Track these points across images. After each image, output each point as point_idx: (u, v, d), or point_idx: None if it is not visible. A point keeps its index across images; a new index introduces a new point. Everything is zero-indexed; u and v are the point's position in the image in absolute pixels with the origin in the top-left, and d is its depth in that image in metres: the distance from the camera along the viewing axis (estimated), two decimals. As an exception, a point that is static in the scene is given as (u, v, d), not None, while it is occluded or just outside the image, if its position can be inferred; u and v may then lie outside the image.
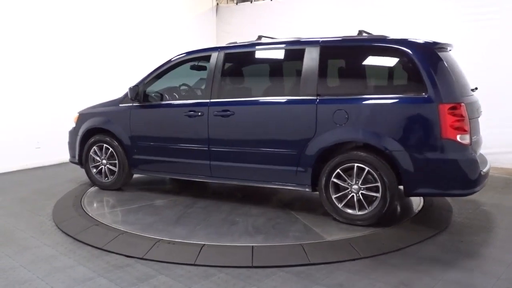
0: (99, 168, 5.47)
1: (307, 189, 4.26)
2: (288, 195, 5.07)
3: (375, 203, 3.91)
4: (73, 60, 7.54)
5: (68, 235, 3.97)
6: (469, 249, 3.60)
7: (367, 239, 3.73)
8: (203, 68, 4.98)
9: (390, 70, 4.18)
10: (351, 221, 4.01)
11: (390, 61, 4.15)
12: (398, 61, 4.06)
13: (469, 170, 3.73)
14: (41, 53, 7.13)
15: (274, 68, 4.85)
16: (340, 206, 4.05)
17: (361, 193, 3.96)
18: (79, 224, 4.19)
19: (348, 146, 4.12)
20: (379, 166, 3.85)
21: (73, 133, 5.74)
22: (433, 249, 3.59)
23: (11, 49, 6.79)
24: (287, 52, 4.62)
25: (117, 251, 3.57)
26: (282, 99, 4.38)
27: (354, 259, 3.37)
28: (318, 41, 4.25)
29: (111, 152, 5.31)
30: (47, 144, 7.24)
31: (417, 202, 4.72)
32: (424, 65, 3.78)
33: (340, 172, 4.02)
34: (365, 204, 3.94)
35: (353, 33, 4.47)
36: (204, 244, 3.59)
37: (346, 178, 4.01)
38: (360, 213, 3.97)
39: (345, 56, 4.36)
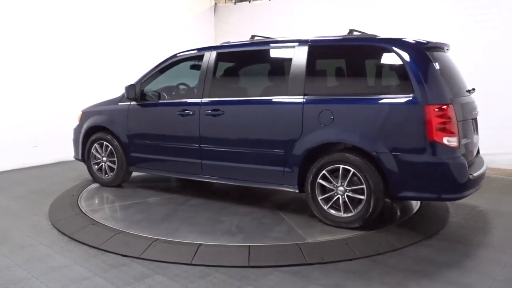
0: (100, 165, 5.60)
1: (294, 190, 4.22)
2: (284, 196, 5.04)
3: (360, 206, 3.82)
4: (70, 59, 7.52)
5: (64, 234, 3.96)
6: (465, 250, 3.61)
7: (364, 239, 3.72)
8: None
9: (378, 70, 4.13)
10: (336, 224, 3.94)
11: (377, 61, 4.11)
12: (386, 61, 4.00)
13: (457, 174, 3.60)
14: (38, 53, 7.11)
15: (264, 68, 4.87)
16: (325, 208, 3.99)
17: (347, 195, 3.89)
18: (76, 223, 4.18)
19: (338, 147, 4.05)
20: (364, 168, 3.77)
21: (76, 130, 5.89)
22: (430, 249, 3.59)
23: (8, 49, 6.77)
24: (277, 52, 4.59)
25: (113, 251, 3.55)
26: (270, 98, 4.37)
27: (351, 259, 3.37)
28: (307, 40, 4.21)
29: (111, 149, 5.42)
30: (44, 143, 7.23)
31: (414, 203, 4.71)
32: (412, 65, 3.68)
33: (326, 174, 3.96)
34: (351, 207, 3.87)
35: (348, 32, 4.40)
36: (201, 244, 3.59)
37: (332, 180, 3.95)
38: (345, 215, 3.90)
39: (333, 56, 4.32)
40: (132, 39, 8.42)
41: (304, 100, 4.05)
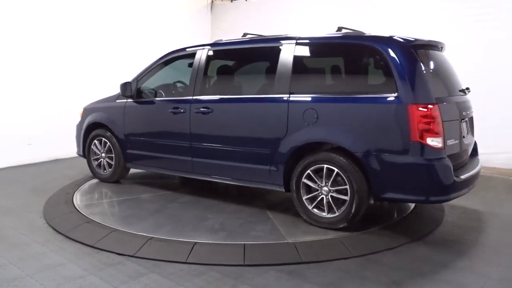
0: (99, 161, 5.73)
1: (280, 189, 4.19)
2: (277, 196, 5.00)
3: (344, 207, 3.77)
4: (66, 56, 7.49)
5: (59, 232, 3.94)
6: (460, 249, 3.62)
7: (359, 238, 3.73)
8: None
9: (362, 68, 4.06)
10: (320, 224, 3.90)
11: (362, 59, 4.03)
12: (370, 59, 3.93)
13: (442, 176, 3.49)
14: (33, 50, 7.06)
15: (253, 66, 4.88)
16: (310, 207, 3.95)
17: (331, 196, 3.84)
18: (70, 221, 4.17)
19: (325, 146, 3.98)
20: (348, 168, 3.70)
21: (78, 127, 5.99)
22: (425, 248, 3.60)
23: (2, 46, 6.71)
24: (266, 50, 4.53)
25: (108, 249, 3.54)
26: (257, 96, 4.38)
27: (346, 258, 3.38)
28: (295, 38, 4.17)
29: (109, 146, 5.53)
30: (39, 140, 7.19)
31: (409, 202, 4.72)
32: (396, 63, 3.57)
33: (311, 173, 3.92)
34: (334, 207, 3.82)
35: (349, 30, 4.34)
36: (196, 242, 3.58)
37: (316, 180, 3.91)
38: (329, 216, 3.86)
39: (319, 54, 4.27)
40: (128, 36, 8.39)
41: (290, 99, 4.03)
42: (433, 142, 3.46)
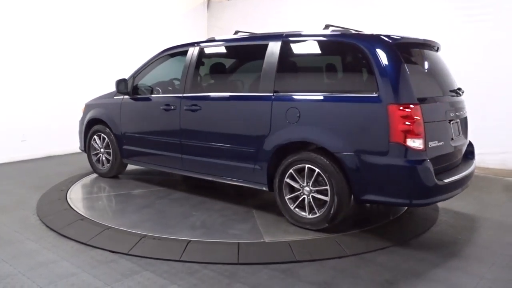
0: (98, 156, 5.84)
1: (264, 188, 4.16)
2: (270, 195, 4.94)
3: (324, 208, 3.71)
4: (60, 53, 7.45)
5: (52, 229, 3.92)
6: (453, 249, 3.63)
7: (353, 237, 3.73)
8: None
9: (345, 66, 3.98)
10: (302, 224, 3.85)
11: (344, 57, 3.94)
12: (353, 57, 3.83)
13: (421, 179, 3.35)
14: (26, 46, 7.02)
15: (241, 64, 4.89)
16: (292, 207, 3.92)
17: (312, 196, 3.79)
18: (64, 218, 4.15)
19: (310, 146, 3.87)
20: (328, 168, 3.63)
21: (80, 122, 6.09)
22: (419, 248, 3.61)
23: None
24: (253, 48, 4.50)
25: (101, 246, 3.53)
26: (243, 94, 4.37)
27: (340, 257, 3.38)
28: (282, 35, 4.12)
29: (107, 142, 5.61)
30: (33, 137, 7.15)
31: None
32: (377, 61, 3.46)
33: (293, 173, 3.87)
34: (315, 208, 3.77)
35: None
36: (190, 240, 3.58)
37: (298, 180, 3.87)
38: (310, 216, 3.81)
39: (303, 52, 4.18)
40: (124, 33, 8.35)
41: (273, 97, 4.00)
42: (414, 143, 3.34)
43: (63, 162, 6.89)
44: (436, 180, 3.40)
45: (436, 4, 6.82)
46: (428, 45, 4.07)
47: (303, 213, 3.87)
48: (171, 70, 5.33)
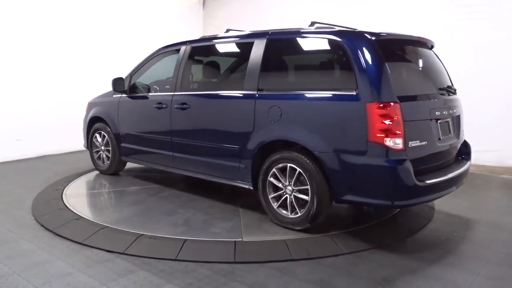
0: (99, 153, 5.97)
1: (249, 187, 4.14)
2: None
3: (305, 208, 3.66)
4: (56, 52, 7.41)
5: (48, 229, 3.89)
6: (449, 246, 3.64)
7: (349, 235, 3.73)
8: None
9: (326, 64, 3.90)
10: (285, 224, 3.83)
11: (325, 55, 3.87)
12: (334, 54, 3.75)
13: (400, 179, 3.24)
14: (21, 46, 6.97)
15: (228, 62, 4.89)
16: (275, 206, 3.89)
17: (294, 196, 3.75)
18: (59, 218, 4.12)
19: (296, 145, 3.76)
20: (308, 167, 3.58)
21: (84, 120, 6.18)
22: (415, 245, 3.62)
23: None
24: (240, 46, 4.50)
25: (97, 246, 3.51)
26: (229, 93, 4.34)
27: (336, 255, 3.38)
28: (267, 33, 4.09)
29: (107, 139, 5.73)
30: (28, 136, 7.11)
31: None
32: (356, 58, 3.38)
33: (276, 172, 3.85)
34: (297, 208, 3.73)
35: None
36: (186, 239, 3.57)
37: (280, 179, 3.83)
38: (292, 216, 3.77)
39: (286, 49, 4.10)
40: (120, 32, 8.32)
41: (257, 95, 3.97)
42: (392, 143, 3.24)
43: (58, 162, 6.86)
44: (415, 181, 3.28)
45: (436, 3, 6.82)
46: (418, 42, 3.98)
47: (286, 213, 3.84)
48: (166, 68, 5.34)
